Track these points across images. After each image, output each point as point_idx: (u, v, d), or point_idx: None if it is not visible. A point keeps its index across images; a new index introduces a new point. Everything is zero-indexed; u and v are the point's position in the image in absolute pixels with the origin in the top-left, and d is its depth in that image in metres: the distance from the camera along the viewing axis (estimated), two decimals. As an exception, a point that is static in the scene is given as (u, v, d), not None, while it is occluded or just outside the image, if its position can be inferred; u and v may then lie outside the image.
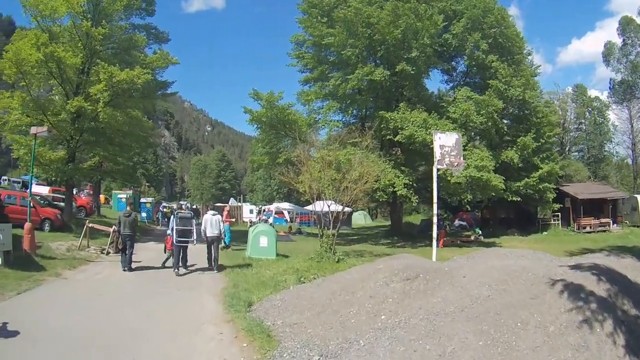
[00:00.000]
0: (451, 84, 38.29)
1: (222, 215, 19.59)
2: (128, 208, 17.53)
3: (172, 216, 17.41)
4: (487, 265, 9.76)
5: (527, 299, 7.37)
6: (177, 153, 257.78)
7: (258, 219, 47.83)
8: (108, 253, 19.65)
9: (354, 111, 34.56)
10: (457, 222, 45.29)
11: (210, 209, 19.98)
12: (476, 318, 7.09)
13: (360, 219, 63.38)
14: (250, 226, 23.91)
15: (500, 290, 7.87)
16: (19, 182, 47.51)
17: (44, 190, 38.71)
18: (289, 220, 52.28)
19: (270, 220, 48.23)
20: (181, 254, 15.94)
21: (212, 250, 16.77)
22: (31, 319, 9.13)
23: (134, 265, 16.33)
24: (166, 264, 16.73)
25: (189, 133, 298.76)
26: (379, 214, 76.47)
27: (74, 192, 55.81)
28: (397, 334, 7.16)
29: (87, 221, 21.34)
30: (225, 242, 22.45)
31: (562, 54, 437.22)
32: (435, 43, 31.09)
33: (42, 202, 27.52)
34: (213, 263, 16.71)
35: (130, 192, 60.59)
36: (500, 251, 13.75)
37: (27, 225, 16.34)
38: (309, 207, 53.13)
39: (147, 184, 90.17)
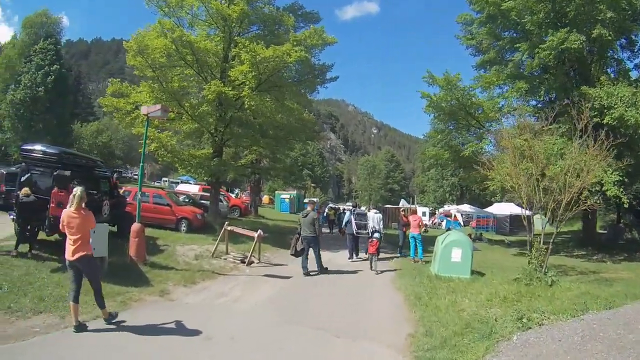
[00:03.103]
0: (635, 61, 30.12)
1: (404, 219, 20.89)
2: (308, 208, 16.05)
3: (348, 212, 20.64)
4: None
5: None
6: (344, 155, 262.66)
7: (431, 221, 43.59)
8: (251, 263, 15.94)
9: (544, 93, 28.26)
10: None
11: (373, 208, 22.41)
12: None
13: (537, 224, 56.08)
14: (425, 231, 19.69)
15: None
16: (177, 183, 47.44)
17: (194, 188, 36.80)
18: (462, 224, 46.87)
19: (444, 224, 43.71)
20: (354, 244, 19.44)
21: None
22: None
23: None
24: (374, 268, 16.31)
25: (355, 135, 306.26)
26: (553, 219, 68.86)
27: (235, 192, 55.50)
28: None
29: (226, 223, 17.52)
30: (417, 255, 19.17)
31: None
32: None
33: (184, 200, 25.70)
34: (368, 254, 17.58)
35: (294, 192, 59.13)
36: None
37: (135, 226, 13.01)
38: (490, 209, 48.47)
39: (312, 184, 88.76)
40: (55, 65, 54.77)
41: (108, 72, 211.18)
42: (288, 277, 13.99)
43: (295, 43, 21.56)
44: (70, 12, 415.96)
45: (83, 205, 7.79)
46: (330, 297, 11.71)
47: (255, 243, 16.26)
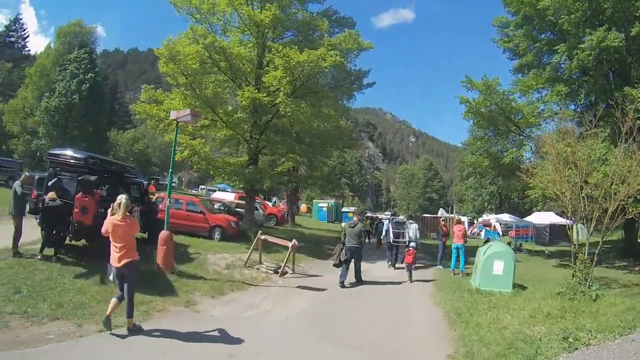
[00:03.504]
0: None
1: (444, 229, 21.37)
2: (355, 218, 15.74)
3: (387, 221, 20.92)
4: None
5: None
6: (382, 164, 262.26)
7: (470, 231, 42.66)
8: (285, 273, 15.42)
9: (584, 96, 27.23)
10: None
11: (409, 218, 20.64)
12: None
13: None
14: (465, 241, 18.90)
15: None
16: (214, 190, 47.61)
17: (230, 196, 36.50)
18: (501, 234, 45.74)
19: (482, 233, 42.72)
20: (394, 253, 19.57)
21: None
22: None
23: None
24: (411, 278, 16.14)
25: (393, 144, 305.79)
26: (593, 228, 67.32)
27: (273, 200, 55.30)
28: None
29: (260, 232, 16.98)
30: (458, 268, 18.53)
31: None
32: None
33: (218, 208, 25.36)
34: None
35: (332, 201, 58.79)
36: None
37: (163, 234, 12.68)
38: (529, 218, 47.19)
39: (351, 193, 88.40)
40: (90, 74, 56.08)
41: (144, 81, 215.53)
42: (323, 289, 13.47)
43: (330, 47, 21.23)
44: (106, 23, 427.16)
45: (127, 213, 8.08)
46: (366, 311, 11.24)
47: (290, 253, 15.75)
